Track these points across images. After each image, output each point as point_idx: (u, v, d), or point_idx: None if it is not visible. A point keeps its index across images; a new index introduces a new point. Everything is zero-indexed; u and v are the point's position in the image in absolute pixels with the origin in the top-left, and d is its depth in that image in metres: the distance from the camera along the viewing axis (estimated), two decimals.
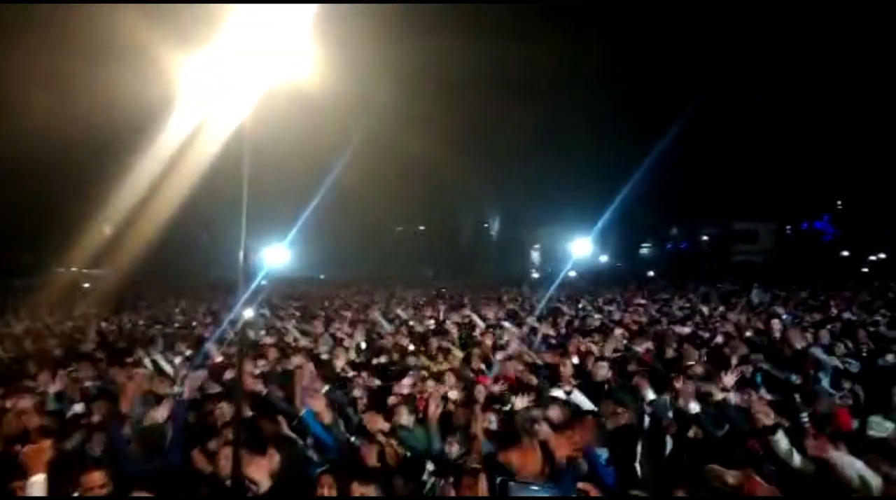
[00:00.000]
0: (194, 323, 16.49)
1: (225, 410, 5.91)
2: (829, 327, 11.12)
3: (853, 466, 4.33)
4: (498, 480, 1.90)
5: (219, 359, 9.24)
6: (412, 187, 61.92)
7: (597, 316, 14.93)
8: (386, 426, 5.90)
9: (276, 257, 23.87)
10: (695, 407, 5.92)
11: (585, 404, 6.50)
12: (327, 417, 5.89)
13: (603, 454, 5.30)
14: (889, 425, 5.79)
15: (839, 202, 63.41)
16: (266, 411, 6.21)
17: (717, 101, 56.25)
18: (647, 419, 6.11)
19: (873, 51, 50.47)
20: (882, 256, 51.69)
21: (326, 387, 6.95)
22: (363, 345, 10.67)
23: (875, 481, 4.25)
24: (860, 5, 49.81)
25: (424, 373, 7.76)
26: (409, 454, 5.38)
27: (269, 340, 11.53)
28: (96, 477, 4.17)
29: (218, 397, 6.60)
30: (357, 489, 3.87)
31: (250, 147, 4.28)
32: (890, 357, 8.75)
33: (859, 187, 56.07)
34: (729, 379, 6.27)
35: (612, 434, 5.69)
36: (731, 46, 56.54)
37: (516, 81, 61.62)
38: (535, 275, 49.67)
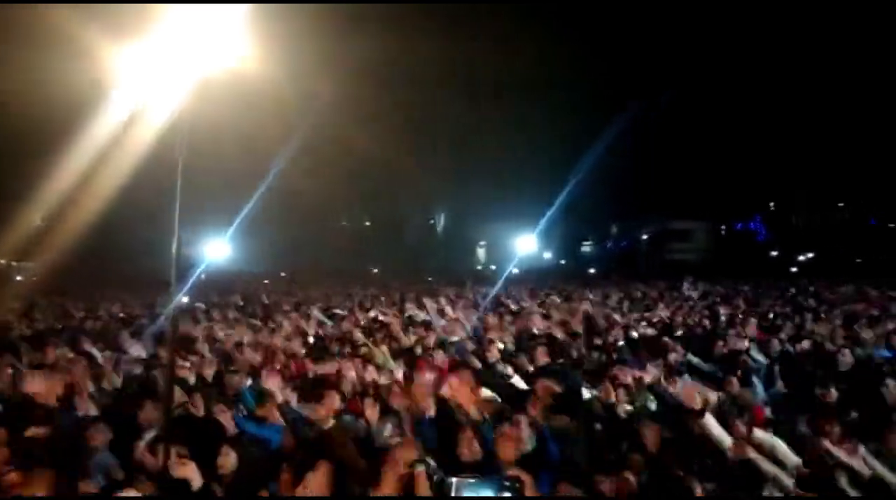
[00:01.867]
0: (124, 315, 16.03)
1: (147, 409, 5.66)
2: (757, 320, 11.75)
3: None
4: (436, 477, 1.91)
5: (143, 354, 8.99)
6: (358, 182, 61.63)
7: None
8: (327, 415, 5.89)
9: (216, 250, 23.43)
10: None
11: (522, 385, 6.71)
12: (279, 397, 5.88)
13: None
14: None
15: (771, 204, 66.28)
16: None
17: (656, 103, 57.77)
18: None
19: (811, 55, 52.69)
20: (810, 255, 54.09)
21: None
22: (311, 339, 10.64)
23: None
24: (797, 10, 51.90)
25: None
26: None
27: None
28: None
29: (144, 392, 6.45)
30: (314, 477, 3.83)
31: (184, 138, 4.26)
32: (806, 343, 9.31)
33: (790, 190, 58.64)
34: (654, 369, 6.55)
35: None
36: (670, 51, 58.16)
37: (463, 79, 62.00)
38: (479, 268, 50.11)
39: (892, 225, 54.57)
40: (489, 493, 1.92)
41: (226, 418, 5.30)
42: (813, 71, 52.41)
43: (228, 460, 4.52)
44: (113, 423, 5.25)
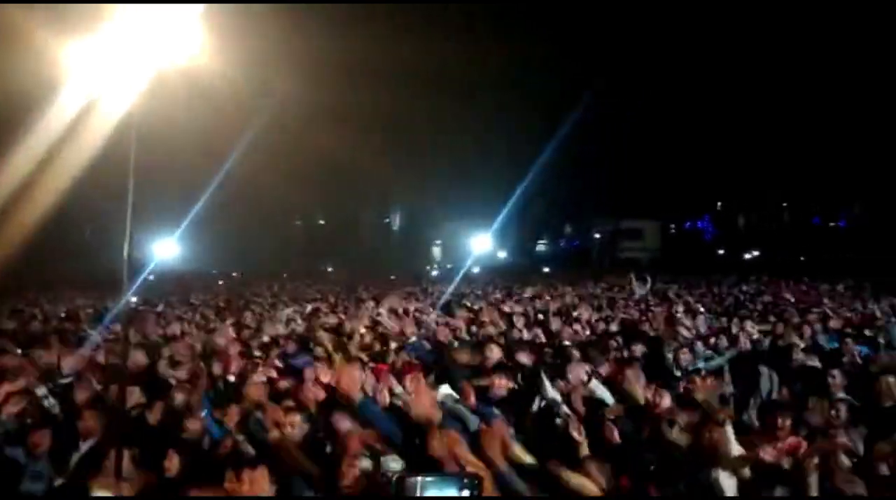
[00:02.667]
0: (69, 316, 15.60)
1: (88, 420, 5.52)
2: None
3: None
4: (394, 476, 1.90)
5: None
6: (312, 181, 60.96)
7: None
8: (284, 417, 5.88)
9: (165, 250, 22.99)
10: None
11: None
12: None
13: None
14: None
15: (719, 204, 68.31)
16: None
17: (608, 104, 58.86)
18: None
19: (760, 57, 54.25)
20: (756, 253, 55.80)
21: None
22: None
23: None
24: (748, 11, 53.39)
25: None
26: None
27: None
28: None
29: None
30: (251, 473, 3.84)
31: (136, 134, 4.21)
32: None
33: (737, 190, 60.46)
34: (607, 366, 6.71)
35: (501, 401, 6.09)
36: (624, 53, 59.25)
37: (420, 78, 61.88)
38: (435, 272, 50.15)
39: (833, 224, 56.82)
40: (451, 491, 1.90)
41: (194, 423, 5.33)
42: (761, 75, 54.12)
43: (173, 463, 4.54)
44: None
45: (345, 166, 58.81)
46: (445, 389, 6.76)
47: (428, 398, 5.04)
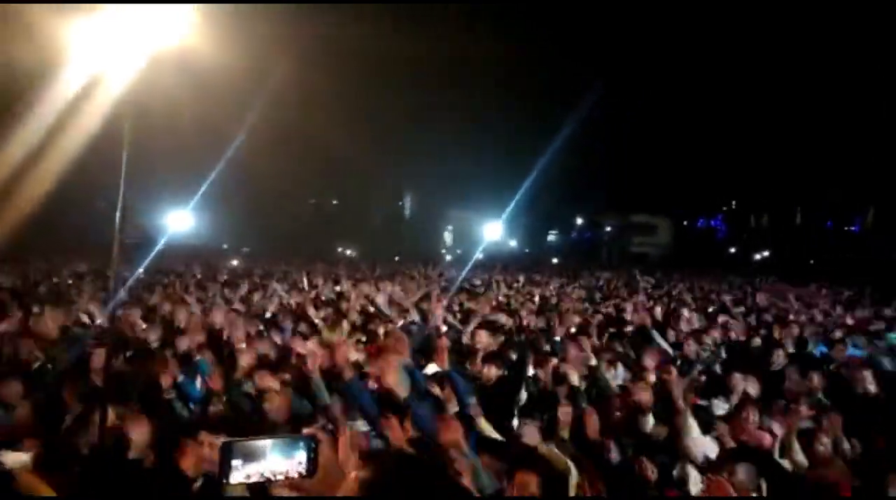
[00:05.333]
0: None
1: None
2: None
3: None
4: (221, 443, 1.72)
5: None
6: (327, 162, 61.15)
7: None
8: (276, 383, 6.04)
9: (177, 222, 23.20)
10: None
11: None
12: (217, 384, 6.00)
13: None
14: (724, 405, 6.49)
15: (733, 203, 67.77)
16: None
17: (627, 98, 58.52)
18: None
19: (777, 55, 53.68)
20: (766, 254, 55.43)
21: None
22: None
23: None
24: (763, 9, 52.77)
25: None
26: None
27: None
28: None
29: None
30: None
31: (132, 109, 4.36)
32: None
33: (751, 189, 59.94)
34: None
35: (487, 389, 6.24)
36: (644, 45, 58.74)
37: (433, 67, 61.71)
38: (448, 257, 50.29)
39: (846, 228, 56.23)
40: (286, 453, 1.81)
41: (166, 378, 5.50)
42: (784, 78, 53.52)
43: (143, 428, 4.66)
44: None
45: (360, 149, 58.92)
46: (432, 368, 6.92)
47: (393, 377, 5.13)
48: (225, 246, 45.07)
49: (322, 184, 71.32)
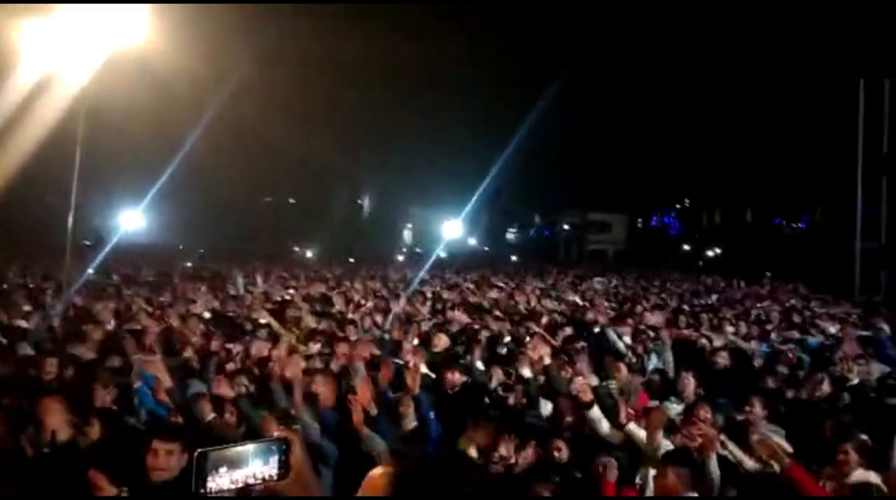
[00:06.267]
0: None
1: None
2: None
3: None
4: (195, 452, 1.67)
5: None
6: (284, 159, 60.43)
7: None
8: (230, 392, 5.99)
9: (129, 221, 22.73)
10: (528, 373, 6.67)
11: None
12: (166, 382, 5.94)
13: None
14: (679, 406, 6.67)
15: (686, 201, 69.40)
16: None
17: (582, 96, 59.34)
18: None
19: (729, 54, 54.98)
20: (718, 251, 56.82)
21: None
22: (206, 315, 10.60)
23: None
24: (716, 10, 54.03)
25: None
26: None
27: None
28: None
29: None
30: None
31: (87, 108, 4.30)
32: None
33: (704, 187, 61.42)
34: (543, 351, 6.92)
35: (448, 397, 6.30)
36: (598, 45, 59.64)
37: (390, 65, 61.48)
38: (401, 257, 50.18)
39: (794, 225, 58.10)
40: (259, 459, 1.77)
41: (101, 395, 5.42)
42: (735, 77, 54.92)
43: (93, 430, 4.63)
44: None
45: (317, 148, 58.40)
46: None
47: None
48: (181, 247, 44.03)
49: (278, 183, 70.44)
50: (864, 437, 4.77)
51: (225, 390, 5.94)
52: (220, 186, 57.93)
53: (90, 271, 12.23)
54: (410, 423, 5.49)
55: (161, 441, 3.80)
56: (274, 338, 8.09)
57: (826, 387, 6.67)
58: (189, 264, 27.00)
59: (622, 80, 61.69)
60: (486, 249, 65.16)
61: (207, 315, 10.50)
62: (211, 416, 5.36)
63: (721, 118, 55.70)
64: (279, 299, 12.97)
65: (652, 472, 4.79)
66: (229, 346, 7.77)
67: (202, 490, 1.71)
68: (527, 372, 6.78)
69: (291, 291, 14.54)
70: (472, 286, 18.16)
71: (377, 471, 1.70)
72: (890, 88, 20.80)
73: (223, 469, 1.72)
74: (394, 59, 57.40)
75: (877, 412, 5.97)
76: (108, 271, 18.83)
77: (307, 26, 44.13)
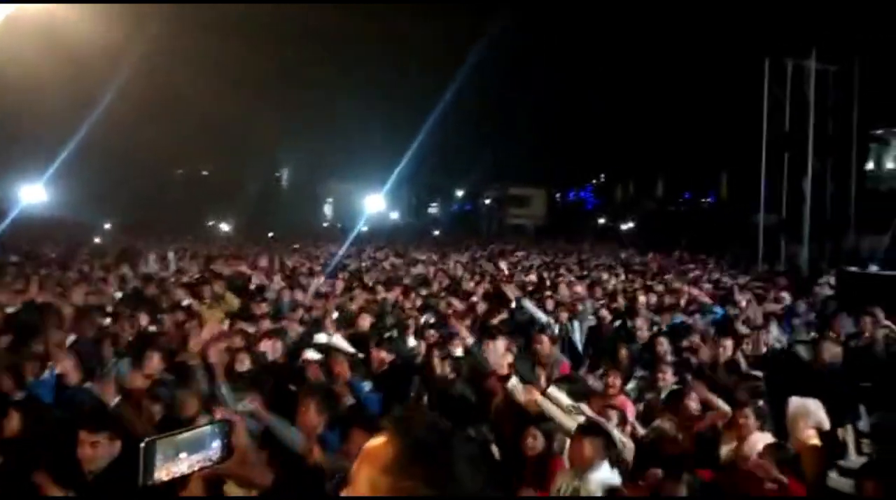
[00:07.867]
0: None
1: None
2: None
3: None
4: (143, 443, 1.66)
5: None
6: (197, 128, 58.00)
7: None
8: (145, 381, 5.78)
9: (31, 195, 21.55)
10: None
11: (346, 347, 7.00)
12: (75, 377, 5.62)
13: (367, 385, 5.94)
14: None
15: (602, 175, 71.46)
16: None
17: (502, 74, 59.81)
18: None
19: (643, 31, 56.30)
20: (631, 225, 58.90)
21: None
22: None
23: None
24: None
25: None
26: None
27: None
28: None
29: None
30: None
31: None
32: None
33: (617, 161, 63.35)
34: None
35: (382, 375, 6.34)
36: (518, 20, 59.97)
37: (309, 35, 59.83)
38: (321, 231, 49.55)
39: (704, 200, 60.80)
40: (202, 443, 1.76)
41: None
42: (647, 55, 56.44)
43: (12, 422, 4.41)
44: None
45: (232, 118, 56.44)
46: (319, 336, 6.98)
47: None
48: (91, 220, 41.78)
49: (192, 152, 67.66)
50: (760, 403, 5.17)
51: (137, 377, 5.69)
52: (128, 158, 55.14)
53: None
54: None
55: (88, 433, 3.65)
56: (193, 317, 7.90)
57: (728, 353, 7.15)
58: (97, 240, 25.77)
59: (547, 59, 62.48)
60: (409, 222, 65.18)
61: (119, 295, 10.10)
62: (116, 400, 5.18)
63: (638, 96, 57.27)
64: (196, 277, 12.62)
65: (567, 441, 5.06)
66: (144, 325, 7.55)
67: (150, 482, 1.67)
68: (458, 352, 6.86)
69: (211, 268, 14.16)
70: (396, 261, 18.21)
71: (377, 441, 1.37)
72: (792, 69, 21.91)
73: (170, 457, 1.69)
74: (314, 28, 55.92)
75: (776, 378, 6.47)
76: (3, 246, 17.78)
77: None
